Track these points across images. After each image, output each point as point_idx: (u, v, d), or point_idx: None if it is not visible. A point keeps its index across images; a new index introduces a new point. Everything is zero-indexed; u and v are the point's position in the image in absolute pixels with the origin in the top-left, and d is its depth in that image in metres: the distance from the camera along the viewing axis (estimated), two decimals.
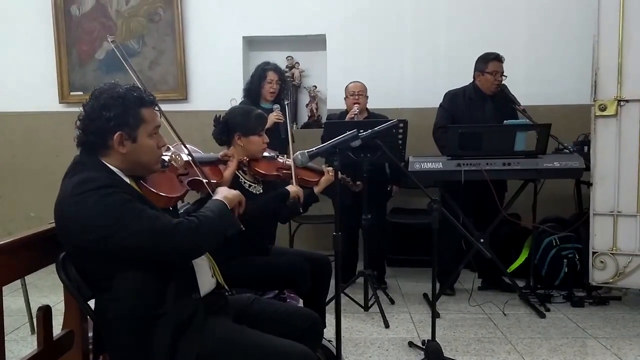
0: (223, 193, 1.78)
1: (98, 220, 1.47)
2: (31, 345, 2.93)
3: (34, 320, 1.67)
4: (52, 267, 1.63)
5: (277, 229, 3.09)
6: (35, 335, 1.67)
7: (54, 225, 1.59)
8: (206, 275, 1.74)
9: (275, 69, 4.01)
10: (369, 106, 4.05)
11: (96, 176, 1.53)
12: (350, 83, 4.07)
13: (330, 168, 2.73)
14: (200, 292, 1.67)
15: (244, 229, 1.79)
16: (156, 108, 1.70)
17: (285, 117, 3.72)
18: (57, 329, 1.74)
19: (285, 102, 3.71)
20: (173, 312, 1.56)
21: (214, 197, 1.77)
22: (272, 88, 3.97)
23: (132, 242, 1.47)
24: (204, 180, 1.95)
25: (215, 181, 2.19)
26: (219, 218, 1.67)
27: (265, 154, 2.70)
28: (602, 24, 3.43)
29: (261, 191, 2.66)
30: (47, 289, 3.84)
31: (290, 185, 2.66)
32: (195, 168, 1.96)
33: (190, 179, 1.97)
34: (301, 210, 2.67)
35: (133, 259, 1.51)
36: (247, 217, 1.90)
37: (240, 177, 2.57)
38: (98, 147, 1.60)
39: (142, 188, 1.68)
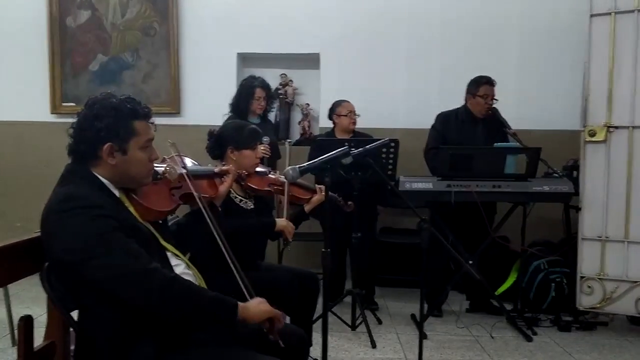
0: (250, 302, 1.65)
1: (76, 243, 1.44)
2: (12, 357, 2.88)
3: (16, 331, 1.64)
4: (36, 279, 1.60)
5: (267, 245, 3.07)
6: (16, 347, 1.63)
7: (39, 234, 1.56)
8: None
9: (263, 85, 4.05)
10: (358, 125, 4.05)
11: (85, 193, 1.51)
12: (343, 102, 4.04)
13: (323, 187, 2.72)
14: None
15: (283, 345, 1.66)
16: (150, 121, 1.68)
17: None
18: (39, 341, 1.70)
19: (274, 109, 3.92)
20: (156, 328, 1.53)
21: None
22: (260, 104, 4.02)
23: (100, 275, 1.44)
24: (196, 195, 1.94)
25: (208, 195, 2.17)
26: (211, 304, 1.53)
27: (258, 169, 2.69)
28: (593, 51, 3.48)
29: (252, 206, 2.64)
30: (30, 300, 3.77)
31: (281, 219, 2.64)
32: (188, 181, 1.95)
33: (182, 192, 1.96)
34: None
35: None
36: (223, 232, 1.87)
37: (232, 191, 2.55)
38: (88, 156, 1.59)
39: (131, 200, 1.66)
